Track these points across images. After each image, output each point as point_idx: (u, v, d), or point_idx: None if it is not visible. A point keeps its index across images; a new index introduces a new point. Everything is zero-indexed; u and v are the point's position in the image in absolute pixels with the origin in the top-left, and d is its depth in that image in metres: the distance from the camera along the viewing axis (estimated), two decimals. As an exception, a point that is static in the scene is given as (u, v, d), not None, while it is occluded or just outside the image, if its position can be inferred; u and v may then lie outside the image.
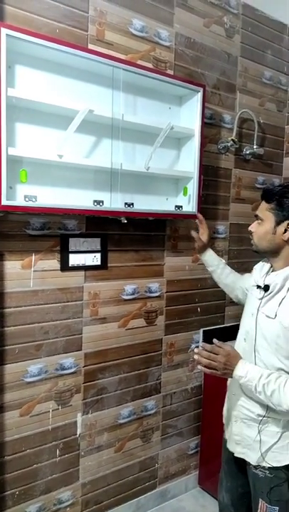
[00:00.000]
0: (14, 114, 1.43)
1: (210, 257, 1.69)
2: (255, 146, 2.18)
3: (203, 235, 1.70)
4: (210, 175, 2.08)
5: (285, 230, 1.26)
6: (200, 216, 1.75)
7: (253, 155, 2.23)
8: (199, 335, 2.14)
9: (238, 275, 1.68)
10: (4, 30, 1.31)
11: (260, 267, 1.41)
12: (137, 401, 1.94)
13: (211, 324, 2.20)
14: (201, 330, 2.14)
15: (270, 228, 1.29)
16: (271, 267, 1.36)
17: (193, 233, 1.69)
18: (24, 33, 1.35)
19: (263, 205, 1.32)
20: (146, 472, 2.03)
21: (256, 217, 1.35)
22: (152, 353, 1.97)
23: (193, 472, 2.22)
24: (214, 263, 1.68)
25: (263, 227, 1.30)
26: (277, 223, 1.27)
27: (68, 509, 1.76)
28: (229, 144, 2.09)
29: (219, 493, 1.53)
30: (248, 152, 2.21)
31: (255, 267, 1.45)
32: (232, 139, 2.08)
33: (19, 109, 1.45)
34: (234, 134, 2.12)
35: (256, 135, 2.18)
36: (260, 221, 1.33)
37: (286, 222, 1.26)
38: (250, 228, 1.37)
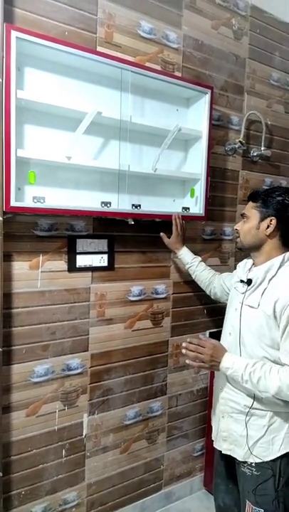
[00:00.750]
0: (23, 116, 1.45)
1: (184, 255, 1.85)
2: (262, 148, 2.18)
3: (173, 237, 1.81)
4: (217, 176, 2.08)
5: (268, 226, 1.36)
6: (178, 219, 1.80)
7: (260, 157, 2.23)
8: (205, 337, 2.13)
9: (214, 272, 1.84)
10: (14, 33, 1.32)
11: (244, 264, 1.49)
12: (143, 402, 1.94)
13: (217, 326, 2.19)
14: (207, 332, 2.14)
15: (254, 224, 1.39)
16: (253, 263, 1.44)
17: (162, 234, 1.84)
18: (34, 36, 1.36)
19: (250, 204, 1.43)
20: (152, 474, 2.03)
21: (242, 215, 1.46)
22: (158, 355, 1.97)
23: (198, 474, 2.22)
24: (188, 260, 1.85)
25: (249, 224, 1.41)
26: (262, 219, 1.37)
27: (74, 510, 1.76)
28: (237, 146, 2.09)
29: (217, 498, 1.55)
30: (255, 154, 2.21)
31: (239, 264, 1.53)
32: (240, 141, 2.08)
33: (28, 111, 1.46)
34: (242, 135, 2.11)
35: (264, 137, 2.18)
36: (245, 219, 1.43)
37: (269, 219, 1.36)
38: (235, 227, 1.49)
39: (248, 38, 2.15)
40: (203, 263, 1.87)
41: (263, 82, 2.24)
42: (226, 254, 2.17)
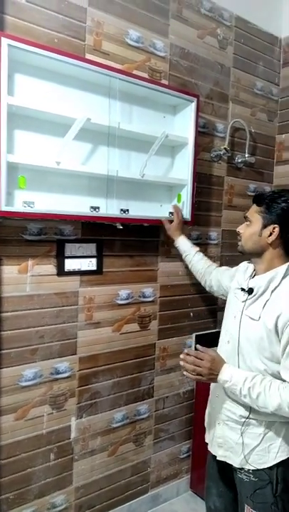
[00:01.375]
0: (13, 122, 1.46)
1: (182, 244, 1.88)
2: (246, 155, 2.24)
3: (174, 223, 1.84)
4: (203, 182, 2.13)
5: (270, 234, 1.30)
6: (178, 208, 1.86)
7: (244, 163, 2.29)
8: (192, 339, 2.17)
9: (210, 263, 1.84)
10: (5, 40, 1.33)
11: (244, 270, 1.45)
12: (130, 405, 1.96)
13: (203, 329, 2.23)
14: (194, 334, 2.18)
15: (256, 230, 1.33)
16: (254, 269, 1.39)
17: (164, 219, 1.84)
18: (24, 43, 1.38)
19: (254, 207, 1.37)
20: (139, 476, 2.04)
21: (245, 218, 1.40)
22: (145, 358, 2.00)
23: (184, 476, 2.24)
24: (185, 249, 1.87)
25: (251, 229, 1.35)
26: (264, 226, 1.32)
27: (61, 513, 1.77)
28: (222, 153, 2.14)
29: (208, 501, 1.53)
30: (239, 160, 2.27)
31: (239, 268, 1.49)
32: (224, 148, 2.13)
33: (18, 117, 1.47)
34: (226, 142, 2.16)
35: (248, 144, 2.24)
36: (248, 223, 1.38)
37: (272, 226, 1.30)
38: (238, 229, 1.42)
39: (232, 47, 2.21)
40: (200, 253, 1.88)
41: (247, 91, 2.30)
42: (211, 259, 2.20)
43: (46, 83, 1.55)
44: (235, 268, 1.61)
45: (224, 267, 1.79)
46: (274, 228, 1.30)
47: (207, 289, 1.85)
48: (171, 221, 1.85)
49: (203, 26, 2.06)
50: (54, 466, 1.72)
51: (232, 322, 1.39)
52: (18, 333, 1.58)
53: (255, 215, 1.35)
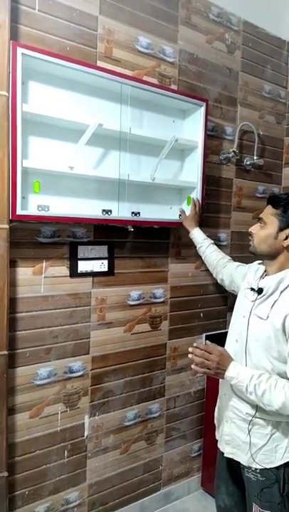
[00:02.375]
0: (28, 128, 1.51)
1: (196, 235, 1.93)
2: (255, 157, 2.26)
3: (190, 214, 1.90)
4: (212, 184, 2.16)
5: (287, 237, 1.31)
6: (196, 201, 1.92)
7: (253, 165, 2.31)
8: (202, 339, 2.20)
9: (224, 255, 1.89)
10: (20, 50, 1.39)
11: (255, 270, 1.46)
12: (142, 404, 1.99)
13: (213, 329, 2.26)
14: (204, 335, 2.20)
15: (272, 233, 1.33)
16: (265, 270, 1.41)
17: (181, 209, 1.92)
18: (37, 52, 1.43)
19: (269, 209, 1.37)
20: (151, 474, 2.07)
21: (259, 220, 1.40)
22: (156, 357, 2.03)
23: (196, 474, 2.27)
24: (199, 241, 1.92)
25: (266, 231, 1.35)
26: (281, 229, 1.32)
27: (76, 509, 1.81)
28: (230, 155, 2.17)
29: (217, 499, 1.55)
30: (248, 163, 2.29)
31: (250, 268, 1.51)
32: (233, 150, 2.16)
33: (33, 124, 1.52)
34: (235, 145, 2.19)
35: (256, 146, 2.26)
36: (262, 224, 1.37)
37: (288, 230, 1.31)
38: (250, 229, 1.42)
39: (240, 51, 2.24)
40: (214, 245, 1.92)
41: (255, 94, 2.33)
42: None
43: (59, 90, 1.60)
44: (248, 266, 1.62)
45: (237, 263, 1.81)
46: None
47: (218, 281, 1.89)
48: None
49: (212, 31, 2.09)
50: (68, 463, 1.76)
51: (241, 321, 1.41)
52: (33, 333, 1.62)
53: (271, 217, 1.34)
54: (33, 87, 1.54)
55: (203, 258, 1.95)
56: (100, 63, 1.70)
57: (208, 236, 1.97)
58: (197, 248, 1.96)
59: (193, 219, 1.90)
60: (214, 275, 1.91)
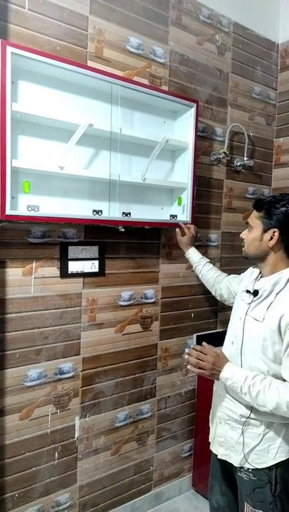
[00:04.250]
0: (18, 128, 1.50)
1: (192, 255, 1.95)
2: (245, 158, 2.28)
3: (186, 236, 1.93)
4: (203, 185, 2.17)
5: (271, 238, 1.34)
6: (187, 226, 1.95)
7: (243, 166, 2.33)
8: (193, 340, 2.20)
9: (220, 273, 1.88)
10: (9, 49, 1.37)
11: (250, 273, 1.48)
12: (133, 405, 1.99)
13: (204, 329, 2.26)
14: (195, 335, 2.21)
15: (257, 235, 1.37)
16: (260, 273, 1.43)
17: (177, 230, 1.94)
18: (27, 51, 1.42)
19: (254, 213, 1.41)
20: (142, 475, 2.07)
21: (247, 224, 1.43)
22: (147, 358, 2.03)
23: (187, 475, 2.27)
24: (196, 260, 1.94)
25: (252, 234, 1.39)
26: (265, 230, 1.35)
27: (66, 511, 1.79)
28: (221, 156, 2.18)
29: (211, 499, 1.56)
30: (238, 164, 2.31)
31: (246, 272, 1.53)
32: (224, 152, 2.17)
33: (23, 123, 1.51)
34: (226, 146, 2.20)
35: (246, 147, 2.28)
36: (249, 228, 1.41)
37: (272, 230, 1.33)
38: (241, 235, 1.46)
39: (230, 53, 2.25)
40: (210, 264, 1.94)
41: (245, 96, 2.34)
42: (211, 260, 2.25)
43: (49, 90, 1.59)
44: (243, 274, 1.63)
45: (233, 275, 1.82)
46: (274, 232, 1.33)
47: (218, 298, 1.88)
48: (183, 233, 1.93)
49: (202, 33, 2.10)
50: (58, 464, 1.75)
51: (237, 323, 1.42)
52: (23, 334, 1.61)
53: (256, 221, 1.38)
54: (23, 86, 1.53)
55: (200, 277, 1.95)
56: (90, 63, 1.70)
57: (199, 237, 1.98)
58: (193, 267, 1.97)
59: (189, 241, 1.94)
60: (213, 293, 1.90)
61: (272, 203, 1.35)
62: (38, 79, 1.56)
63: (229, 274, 1.86)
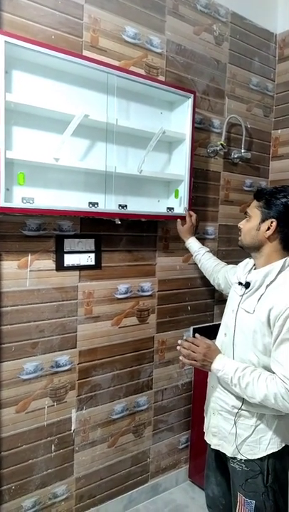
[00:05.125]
0: (12, 119, 1.47)
1: (192, 244, 1.96)
2: (242, 150, 2.26)
3: (186, 225, 1.94)
4: (200, 178, 2.15)
5: (268, 228, 1.33)
6: (190, 213, 1.95)
7: (240, 159, 2.31)
8: (189, 332, 2.20)
9: (219, 262, 1.89)
10: (3, 37, 1.35)
11: (244, 265, 1.47)
12: (130, 397, 1.99)
13: (201, 322, 2.26)
14: (191, 328, 2.21)
15: (255, 225, 1.36)
16: (254, 264, 1.42)
17: (178, 220, 1.95)
18: (22, 40, 1.39)
19: (254, 203, 1.40)
20: (138, 466, 2.08)
21: (246, 213, 1.43)
22: (144, 351, 2.03)
23: (183, 466, 2.28)
24: (195, 249, 1.95)
25: (250, 224, 1.38)
26: (262, 220, 1.35)
27: (63, 503, 1.80)
28: (218, 148, 2.16)
29: (207, 488, 1.58)
30: (236, 156, 2.29)
31: (240, 264, 1.52)
32: (221, 143, 2.15)
33: (17, 114, 1.49)
34: (223, 138, 2.18)
35: (244, 139, 2.26)
36: (248, 218, 1.41)
37: (270, 221, 1.33)
38: (239, 224, 1.45)
39: (228, 43, 2.22)
40: (209, 253, 1.94)
41: (243, 87, 2.32)
42: (208, 253, 2.25)
43: (44, 80, 1.56)
44: (239, 264, 1.63)
45: (231, 265, 1.82)
46: (271, 223, 1.32)
47: (216, 287, 1.90)
48: (184, 223, 1.94)
49: (199, 22, 2.07)
50: (55, 457, 1.76)
51: (230, 315, 1.43)
52: (19, 328, 1.60)
53: (254, 210, 1.38)
54: (17, 76, 1.51)
55: (199, 266, 1.97)
56: (85, 53, 1.67)
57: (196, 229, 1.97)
58: (193, 256, 1.98)
59: (189, 230, 1.94)
60: (211, 282, 1.92)
61: (272, 194, 1.35)
62: (32, 68, 1.53)
63: (222, 254, 1.86)
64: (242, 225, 1.43)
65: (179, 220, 1.95)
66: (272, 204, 1.33)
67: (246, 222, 1.41)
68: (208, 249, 1.95)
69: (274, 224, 1.32)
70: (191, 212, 1.94)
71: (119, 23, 1.77)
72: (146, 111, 1.85)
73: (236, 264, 1.66)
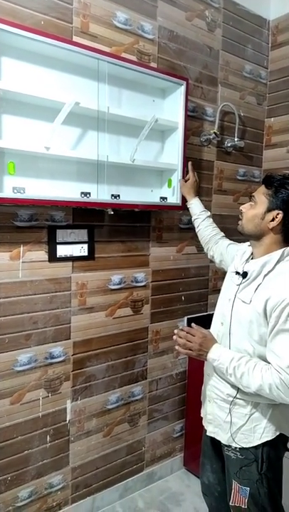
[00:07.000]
0: (1, 107, 1.44)
1: (194, 206, 1.87)
2: (236, 139, 2.24)
3: (189, 182, 1.88)
4: (193, 167, 2.13)
5: (273, 219, 1.28)
6: (190, 166, 1.91)
7: (234, 147, 2.29)
8: (183, 322, 2.21)
9: (218, 232, 1.82)
10: (-10, 22, 1.31)
11: (242, 253, 1.44)
12: (124, 387, 2.00)
13: (195, 312, 2.27)
14: (185, 318, 2.21)
15: (260, 213, 1.30)
16: (252, 253, 1.40)
17: (181, 179, 1.88)
18: (10, 26, 1.35)
19: (262, 188, 1.34)
20: (134, 455, 2.10)
21: (251, 197, 1.37)
22: (139, 341, 2.03)
23: (178, 454, 2.31)
24: (196, 212, 1.86)
25: (254, 210, 1.32)
26: (268, 210, 1.29)
27: (59, 493, 1.81)
28: (211, 137, 2.14)
29: (202, 476, 1.59)
30: (229, 145, 2.27)
31: (238, 251, 1.48)
32: (214, 132, 2.13)
33: (6, 101, 1.45)
34: (216, 126, 2.16)
35: (237, 128, 2.24)
36: (253, 203, 1.35)
37: (276, 212, 1.28)
38: (241, 207, 1.39)
39: (221, 30, 2.19)
40: (210, 219, 1.85)
41: (236, 74, 2.29)
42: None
43: (33, 66, 1.53)
44: (238, 246, 1.59)
45: (229, 241, 1.73)
46: (278, 214, 1.27)
47: (208, 257, 1.81)
48: (187, 179, 1.88)
49: (192, 8, 2.03)
50: (51, 447, 1.76)
51: (226, 304, 1.41)
52: (12, 319, 1.59)
53: (262, 197, 1.32)
54: (6, 62, 1.47)
55: (196, 231, 1.87)
56: (75, 39, 1.64)
57: (190, 219, 1.94)
58: (192, 219, 1.88)
59: (193, 186, 1.86)
60: (205, 250, 1.83)
61: (283, 183, 1.28)
62: (21, 55, 1.49)
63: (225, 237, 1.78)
64: (245, 208, 1.36)
65: (181, 178, 1.88)
66: (280, 194, 1.28)
67: (250, 207, 1.35)
68: (209, 214, 1.86)
69: (280, 216, 1.27)
70: (193, 164, 1.89)
71: (109, 8, 1.73)
72: (138, 98, 1.83)
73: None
